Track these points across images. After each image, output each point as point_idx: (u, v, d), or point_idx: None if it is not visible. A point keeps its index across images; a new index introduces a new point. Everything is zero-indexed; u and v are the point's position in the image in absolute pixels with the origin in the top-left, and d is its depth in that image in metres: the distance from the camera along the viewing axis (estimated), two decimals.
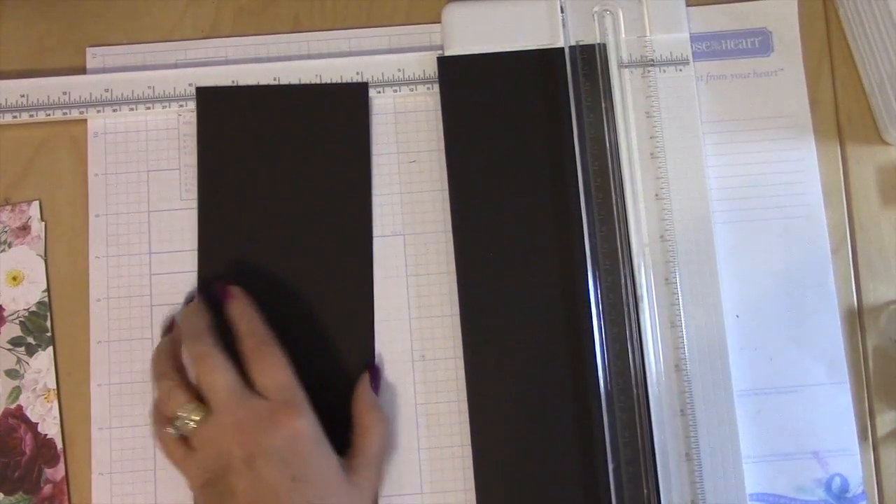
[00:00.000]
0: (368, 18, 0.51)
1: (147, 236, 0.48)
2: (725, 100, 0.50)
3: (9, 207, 0.49)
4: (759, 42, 0.50)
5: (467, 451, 0.46)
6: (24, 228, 0.49)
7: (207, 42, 0.50)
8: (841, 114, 0.50)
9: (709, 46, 0.50)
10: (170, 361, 0.44)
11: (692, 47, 0.50)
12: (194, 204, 0.48)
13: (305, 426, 0.40)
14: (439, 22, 0.50)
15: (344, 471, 0.41)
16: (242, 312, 0.44)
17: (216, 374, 0.41)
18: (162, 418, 0.42)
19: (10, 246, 0.48)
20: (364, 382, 0.45)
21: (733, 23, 0.50)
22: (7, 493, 0.46)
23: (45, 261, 0.48)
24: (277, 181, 0.48)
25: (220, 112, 0.49)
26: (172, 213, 0.48)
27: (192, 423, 0.40)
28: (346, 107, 0.49)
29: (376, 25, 0.51)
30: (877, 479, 0.46)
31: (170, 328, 0.47)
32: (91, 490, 0.46)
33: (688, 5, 0.50)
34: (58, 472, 0.46)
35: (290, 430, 0.39)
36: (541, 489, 0.45)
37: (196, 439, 0.41)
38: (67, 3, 0.51)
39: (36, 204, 0.49)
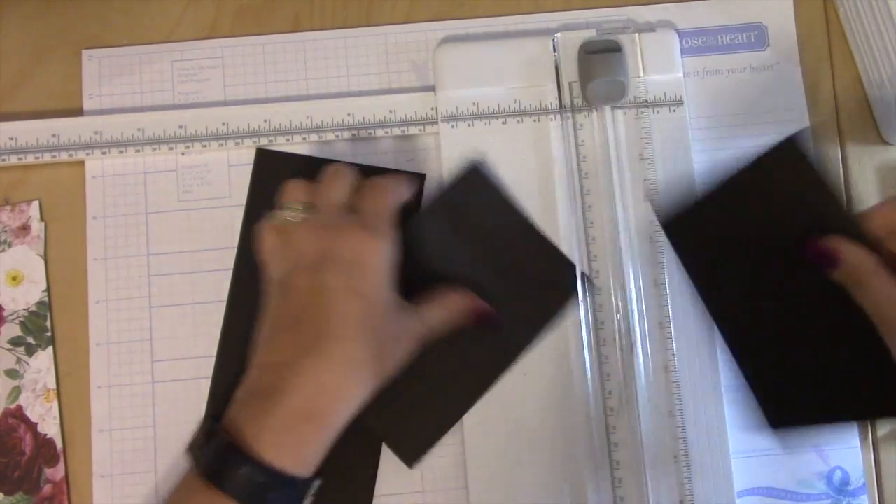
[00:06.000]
0: (368, 18, 0.51)
1: (145, 238, 0.48)
2: (720, 95, 0.49)
3: (9, 207, 0.49)
4: (755, 37, 0.50)
5: (462, 450, 0.45)
6: (24, 228, 0.49)
7: (207, 42, 0.51)
8: (841, 114, 0.50)
9: (703, 42, 0.50)
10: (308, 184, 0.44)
11: (685, 42, 0.50)
12: (193, 205, 0.49)
13: (376, 251, 0.41)
14: (439, 21, 0.50)
15: (399, 303, 0.41)
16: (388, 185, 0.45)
17: (333, 186, 0.43)
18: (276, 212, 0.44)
19: (10, 246, 0.48)
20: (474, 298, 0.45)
21: (727, 17, 0.50)
22: (7, 493, 0.46)
23: (45, 261, 0.48)
24: None
25: (274, 175, 0.47)
26: (170, 214, 0.49)
27: (293, 215, 0.42)
28: None
29: (376, 25, 0.51)
30: (877, 477, 0.46)
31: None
32: (91, 490, 0.46)
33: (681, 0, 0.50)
34: (58, 472, 0.46)
35: (362, 247, 0.40)
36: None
37: (290, 235, 0.42)
38: (66, 3, 0.51)
39: (36, 204, 0.49)
